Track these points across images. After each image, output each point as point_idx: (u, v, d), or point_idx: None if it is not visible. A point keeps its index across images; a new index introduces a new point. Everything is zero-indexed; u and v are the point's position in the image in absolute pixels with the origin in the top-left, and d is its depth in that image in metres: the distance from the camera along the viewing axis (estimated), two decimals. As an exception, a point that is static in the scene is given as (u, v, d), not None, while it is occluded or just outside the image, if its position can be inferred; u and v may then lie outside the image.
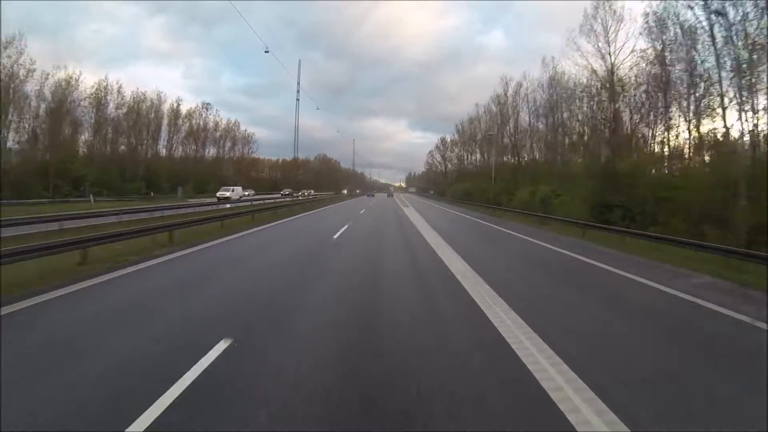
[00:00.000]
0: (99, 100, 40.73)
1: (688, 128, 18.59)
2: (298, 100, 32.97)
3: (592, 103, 25.13)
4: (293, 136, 40.52)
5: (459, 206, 37.36)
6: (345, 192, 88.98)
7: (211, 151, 61.45)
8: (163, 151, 50.30)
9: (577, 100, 27.27)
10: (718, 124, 16.06)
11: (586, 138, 26.82)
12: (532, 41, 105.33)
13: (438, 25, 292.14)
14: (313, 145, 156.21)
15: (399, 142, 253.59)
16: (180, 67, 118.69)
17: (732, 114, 15.03)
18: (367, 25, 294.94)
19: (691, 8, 16.44)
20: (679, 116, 19.27)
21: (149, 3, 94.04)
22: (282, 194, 45.74)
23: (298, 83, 34.39)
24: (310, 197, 48.76)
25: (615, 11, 22.51)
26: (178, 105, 52.11)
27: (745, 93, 14.61)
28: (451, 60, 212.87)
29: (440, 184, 71.35)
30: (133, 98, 45.82)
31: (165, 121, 50.51)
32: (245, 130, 69.71)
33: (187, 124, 55.67)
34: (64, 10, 69.21)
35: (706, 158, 17.40)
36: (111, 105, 42.77)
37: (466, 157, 61.46)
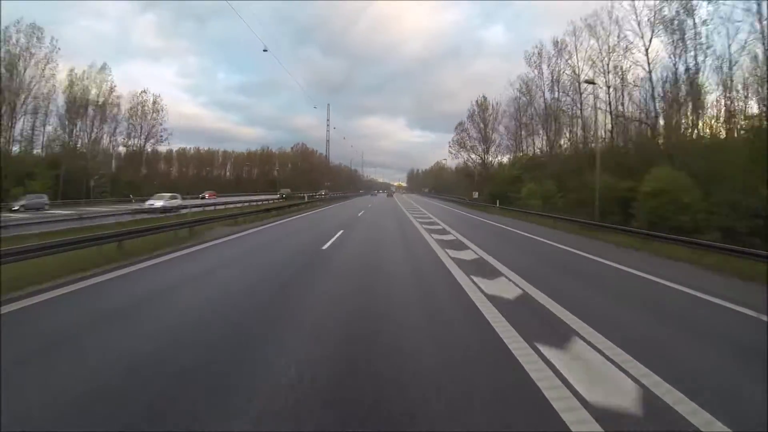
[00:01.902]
0: None
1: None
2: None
3: None
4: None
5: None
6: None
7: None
8: None
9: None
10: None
11: None
12: (534, 37, 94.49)
13: (437, 20, 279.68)
14: (311, 145, 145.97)
15: (398, 140, 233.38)
16: (174, 66, 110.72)
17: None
18: (364, 20, 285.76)
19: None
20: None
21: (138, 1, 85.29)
22: None
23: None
24: None
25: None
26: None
27: None
28: (450, 56, 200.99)
29: (475, 179, 43.42)
30: None
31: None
32: (141, 92, 41.90)
33: None
34: (52, 8, 62.79)
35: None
36: None
37: (541, 125, 34.38)
